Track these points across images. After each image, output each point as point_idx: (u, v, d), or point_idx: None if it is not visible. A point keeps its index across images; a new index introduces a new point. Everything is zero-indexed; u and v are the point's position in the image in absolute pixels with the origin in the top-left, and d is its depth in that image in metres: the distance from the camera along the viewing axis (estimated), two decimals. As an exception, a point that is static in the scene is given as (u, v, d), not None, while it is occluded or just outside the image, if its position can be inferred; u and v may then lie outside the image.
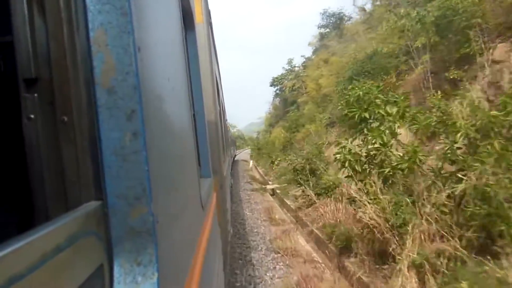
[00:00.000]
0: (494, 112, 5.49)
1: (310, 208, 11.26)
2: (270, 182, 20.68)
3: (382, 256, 6.11)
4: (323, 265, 7.74)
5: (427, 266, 4.76)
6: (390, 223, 5.77)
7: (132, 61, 0.79)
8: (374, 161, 6.93)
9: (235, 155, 46.36)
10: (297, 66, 45.50)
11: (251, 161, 37.93)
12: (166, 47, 1.28)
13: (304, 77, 37.15)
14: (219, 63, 6.11)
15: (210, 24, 3.73)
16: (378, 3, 28.23)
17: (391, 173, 6.35)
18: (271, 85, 51.24)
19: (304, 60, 44.28)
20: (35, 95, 0.77)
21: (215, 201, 3.04)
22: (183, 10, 1.99)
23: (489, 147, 5.09)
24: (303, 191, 12.17)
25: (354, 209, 7.76)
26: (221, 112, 6.96)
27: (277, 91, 52.26)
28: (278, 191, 16.78)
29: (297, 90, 38.54)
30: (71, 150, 0.78)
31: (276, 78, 50.06)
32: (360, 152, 7.17)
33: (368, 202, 6.31)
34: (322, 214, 9.60)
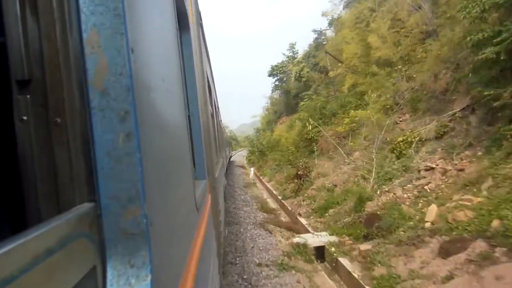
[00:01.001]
0: None
1: None
2: (301, 217, 11.13)
3: None
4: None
5: None
6: None
7: (126, 62, 0.79)
8: None
9: (231, 156, 41.29)
10: (321, 30, 35.76)
11: (252, 170, 30.41)
12: (160, 48, 1.27)
13: (333, 44, 26.50)
14: (211, 63, 6.11)
15: (200, 25, 3.73)
16: None
17: None
18: (269, 75, 45.01)
19: (319, 32, 36.46)
20: (28, 96, 0.76)
21: (210, 203, 3.03)
22: (177, 12, 1.99)
23: None
24: None
25: None
26: (214, 113, 6.96)
27: (277, 82, 46.64)
28: (343, 260, 7.31)
29: (308, 74, 31.89)
30: (64, 151, 0.78)
31: (276, 66, 44.81)
32: None
33: None
34: None
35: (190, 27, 2.93)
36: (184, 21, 2.65)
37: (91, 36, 0.78)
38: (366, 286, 5.98)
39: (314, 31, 36.72)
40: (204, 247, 2.02)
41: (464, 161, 8.71)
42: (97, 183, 0.78)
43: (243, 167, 39.31)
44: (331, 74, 24.00)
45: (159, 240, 0.90)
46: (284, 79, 44.27)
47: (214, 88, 7.36)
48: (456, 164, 8.85)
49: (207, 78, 4.41)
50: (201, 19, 3.81)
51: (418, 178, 9.19)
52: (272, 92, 51.28)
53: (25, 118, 0.76)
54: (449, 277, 5.05)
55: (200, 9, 3.87)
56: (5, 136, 0.86)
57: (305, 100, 26.81)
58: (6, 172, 0.96)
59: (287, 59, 44.50)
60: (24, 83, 0.76)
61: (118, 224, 0.79)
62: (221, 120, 14.99)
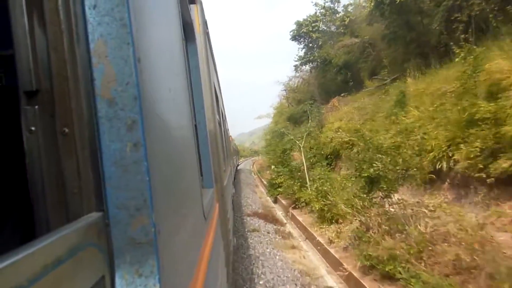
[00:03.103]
0: None
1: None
2: None
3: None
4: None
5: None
6: None
7: (132, 71, 0.80)
8: None
9: (238, 164, 36.99)
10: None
11: None
12: (166, 57, 1.28)
13: None
14: (217, 71, 6.14)
15: (207, 33, 3.77)
16: None
17: None
18: (293, 38, 30.17)
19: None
20: (36, 107, 0.77)
21: (217, 211, 3.03)
22: (183, 21, 2.01)
23: None
24: None
25: None
26: (222, 122, 6.98)
27: (305, 49, 30.05)
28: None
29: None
30: (72, 161, 0.78)
31: (305, 21, 28.91)
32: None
33: None
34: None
35: (196, 36, 2.96)
36: (189, 31, 2.68)
37: (98, 46, 0.79)
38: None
39: None
40: (212, 256, 2.01)
41: None
42: (105, 192, 0.78)
43: (271, 219, 12.56)
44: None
45: (167, 249, 0.90)
46: (315, 46, 28.73)
47: (221, 97, 7.39)
48: None
49: (214, 86, 4.44)
50: (207, 28, 3.84)
51: None
52: (296, 70, 32.91)
53: (33, 128, 0.77)
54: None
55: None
56: (14, 147, 0.87)
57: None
58: (15, 182, 0.97)
59: (322, 10, 28.93)
60: (32, 93, 0.77)
61: (126, 233, 0.79)
62: (228, 129, 14.99)
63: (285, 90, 37.22)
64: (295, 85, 34.97)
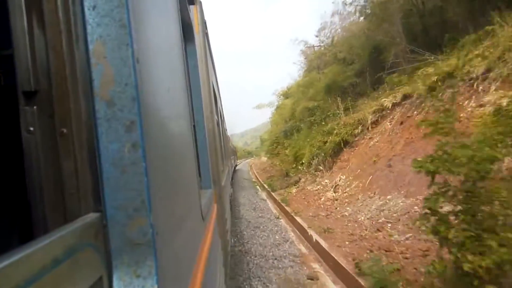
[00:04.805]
0: None
1: None
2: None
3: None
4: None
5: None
6: None
7: (131, 72, 0.80)
8: None
9: (236, 165, 36.21)
10: None
11: None
12: (165, 58, 1.28)
13: None
14: (216, 72, 6.14)
15: (206, 34, 3.77)
16: None
17: None
18: None
19: None
20: (35, 107, 0.77)
21: (215, 212, 3.03)
22: (182, 22, 2.01)
23: None
24: None
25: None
26: (220, 122, 6.98)
27: None
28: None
29: None
30: (70, 162, 0.78)
31: None
32: None
33: None
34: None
35: (195, 37, 2.96)
36: (188, 31, 2.68)
37: (97, 47, 0.79)
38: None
39: None
40: (210, 257, 2.01)
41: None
42: (103, 193, 0.78)
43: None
44: None
45: (165, 250, 0.90)
46: None
47: (219, 97, 7.39)
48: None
49: (213, 86, 4.44)
50: (206, 29, 3.84)
51: None
52: (345, 4, 18.98)
53: (31, 129, 0.77)
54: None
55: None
56: (12, 147, 0.87)
57: None
58: (13, 182, 0.97)
59: None
60: (31, 94, 0.77)
61: (124, 234, 0.78)
62: (226, 129, 14.84)
63: (316, 45, 23.13)
64: (333, 37, 22.41)
